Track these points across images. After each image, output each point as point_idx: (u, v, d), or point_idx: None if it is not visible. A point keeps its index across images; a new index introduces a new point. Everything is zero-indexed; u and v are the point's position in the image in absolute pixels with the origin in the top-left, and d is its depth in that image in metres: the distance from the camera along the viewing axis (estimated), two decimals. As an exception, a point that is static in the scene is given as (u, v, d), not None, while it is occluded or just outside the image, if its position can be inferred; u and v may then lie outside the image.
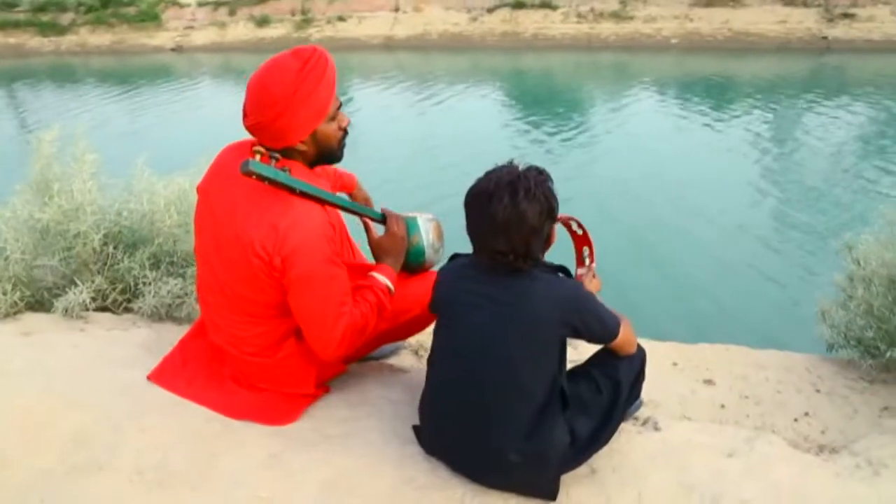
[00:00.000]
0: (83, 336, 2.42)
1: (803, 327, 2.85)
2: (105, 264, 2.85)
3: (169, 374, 2.08)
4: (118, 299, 2.83)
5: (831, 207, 7.15)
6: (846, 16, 15.88)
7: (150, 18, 21.38)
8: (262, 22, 20.33)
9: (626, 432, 1.78)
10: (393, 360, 2.41)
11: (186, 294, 2.77)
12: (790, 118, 11.68)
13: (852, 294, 2.50)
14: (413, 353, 2.57)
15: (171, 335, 2.54)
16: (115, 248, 2.84)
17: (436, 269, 2.12)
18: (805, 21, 16.28)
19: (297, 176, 1.72)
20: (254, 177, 1.63)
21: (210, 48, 20.38)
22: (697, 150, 9.39)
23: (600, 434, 1.58)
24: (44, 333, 2.44)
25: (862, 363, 2.34)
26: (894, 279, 2.26)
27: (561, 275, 1.58)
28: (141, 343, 2.39)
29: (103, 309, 2.78)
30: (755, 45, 16.54)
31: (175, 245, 2.96)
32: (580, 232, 1.93)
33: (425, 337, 2.62)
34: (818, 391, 2.27)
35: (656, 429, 1.84)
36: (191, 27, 21.08)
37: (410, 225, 2.00)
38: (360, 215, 1.96)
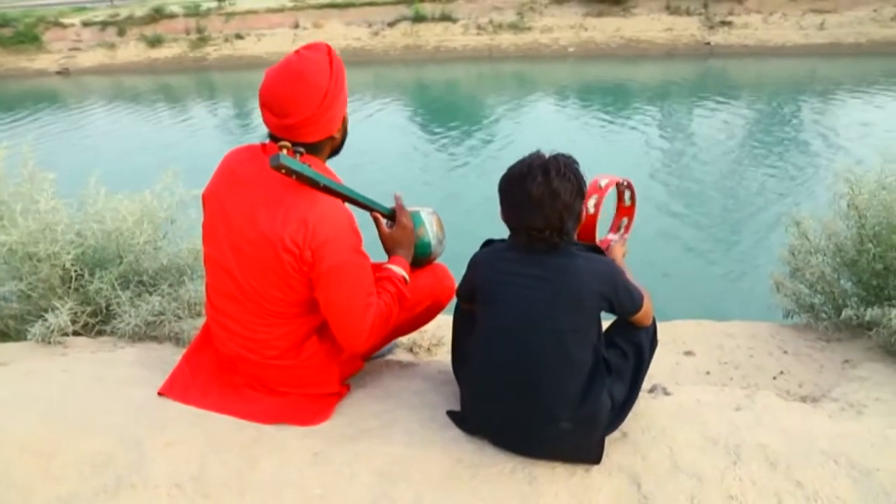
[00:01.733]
0: (69, 361, 2.31)
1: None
2: (70, 287, 2.72)
3: (181, 387, 2.03)
4: (89, 322, 2.72)
5: (720, 197, 7.81)
6: (724, 23, 17.20)
7: (28, 40, 20.09)
8: (155, 42, 19.59)
9: (643, 398, 1.92)
10: (390, 357, 2.45)
11: (163, 312, 2.70)
12: (681, 117, 12.53)
13: (799, 265, 2.78)
14: (408, 351, 2.63)
15: (161, 352, 2.48)
16: (81, 269, 2.72)
17: (439, 261, 2.21)
18: (689, 28, 17.48)
19: (318, 171, 1.76)
20: (283, 171, 1.65)
21: (100, 70, 19.41)
22: (598, 150, 9.93)
23: (631, 397, 1.71)
24: (23, 362, 2.31)
25: (818, 326, 2.60)
26: (841, 248, 2.53)
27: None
28: (134, 362, 2.31)
29: (75, 333, 2.65)
30: (646, 52, 17.57)
31: (142, 263, 2.88)
32: (628, 203, 2.05)
33: (417, 334, 2.68)
34: (785, 353, 2.50)
35: (666, 394, 1.99)
36: (76, 49, 19.99)
37: (415, 218, 2.07)
38: (371, 209, 2.01)
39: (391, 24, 18.86)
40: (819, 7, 16.88)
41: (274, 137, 1.79)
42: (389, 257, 2.02)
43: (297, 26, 19.39)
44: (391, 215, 2.04)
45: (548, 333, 1.55)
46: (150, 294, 2.82)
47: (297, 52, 1.74)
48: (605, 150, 9.97)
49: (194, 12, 19.97)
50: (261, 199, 1.76)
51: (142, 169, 8.88)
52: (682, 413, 1.87)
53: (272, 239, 1.71)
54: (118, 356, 2.37)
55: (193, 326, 2.68)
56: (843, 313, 2.46)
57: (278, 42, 19.06)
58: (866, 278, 2.50)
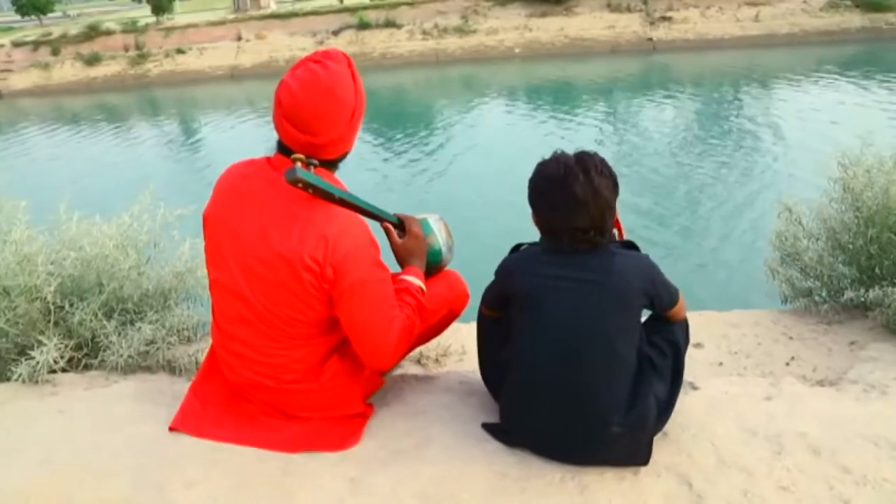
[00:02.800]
0: (62, 400, 2.17)
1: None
2: (50, 321, 2.56)
3: (193, 421, 1.93)
4: (74, 357, 2.56)
5: (677, 189, 7.99)
6: (665, 19, 17.63)
7: (-46, 63, 19.22)
8: (93, 60, 18.95)
9: (674, 395, 1.90)
10: (400, 371, 2.38)
11: (154, 340, 2.57)
12: (627, 111, 12.80)
13: (791, 251, 2.82)
14: (416, 363, 2.56)
15: (159, 383, 2.35)
16: (61, 300, 2.57)
17: (449, 267, 2.16)
18: (631, 25, 17.86)
19: (330, 183, 1.69)
20: (299, 185, 1.58)
21: (35, 92, 18.66)
22: (549, 148, 10.05)
23: (673, 395, 1.68)
24: (10, 404, 2.16)
25: (819, 309, 2.64)
26: (836, 233, 2.57)
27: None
28: (134, 396, 2.18)
29: (61, 370, 2.49)
30: (591, 49, 17.87)
31: (125, 290, 2.73)
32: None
33: (424, 346, 2.62)
34: (791, 338, 2.53)
35: (694, 388, 1.97)
36: (8, 70, 19.18)
37: (423, 226, 2.01)
38: (382, 220, 1.94)
39: (336, 33, 18.71)
40: (753, 0, 17.45)
41: (285, 150, 1.70)
42: (403, 268, 1.96)
43: (239, 38, 19.04)
44: (400, 224, 1.98)
45: (597, 336, 1.51)
46: (135, 323, 2.68)
47: (319, 62, 1.62)
48: (550, 148, 10.07)
49: (132, 28, 19.43)
50: (272, 216, 1.67)
51: (95, 192, 8.56)
52: (715, 407, 1.86)
53: (289, 257, 1.62)
54: (115, 391, 2.24)
55: (186, 353, 2.56)
56: (845, 295, 2.50)
57: (221, 55, 18.69)
58: (862, 261, 2.55)
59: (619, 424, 1.53)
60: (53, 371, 2.35)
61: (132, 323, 2.68)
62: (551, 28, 18.33)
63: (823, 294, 2.74)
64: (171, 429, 1.91)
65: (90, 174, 10.50)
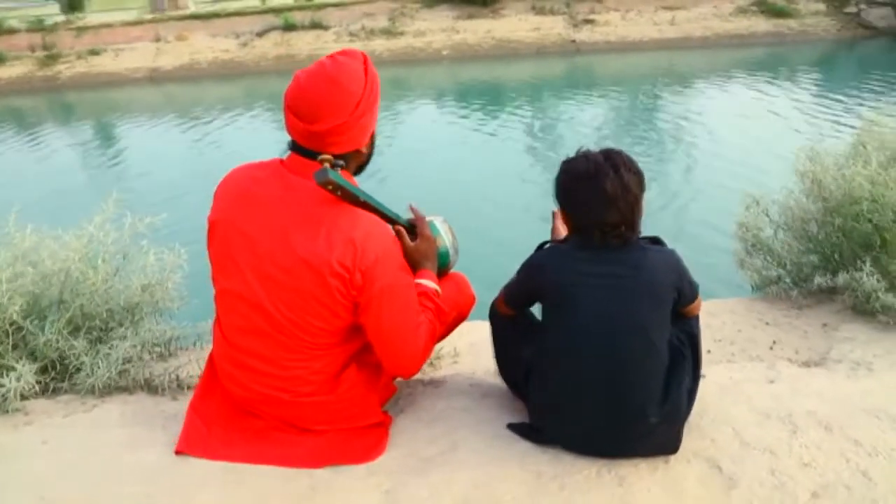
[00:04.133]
0: (41, 429, 2.01)
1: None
2: (10, 343, 2.38)
3: (199, 442, 1.83)
4: (41, 381, 2.38)
5: None
6: (587, 21, 18.12)
7: None
8: (-6, 61, 17.73)
9: (683, 384, 1.95)
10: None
11: (130, 359, 2.43)
12: (553, 112, 13.11)
13: (757, 241, 2.95)
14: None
15: (143, 404, 2.23)
16: (23, 320, 2.39)
17: (455, 269, 2.14)
18: (555, 27, 18.25)
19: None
20: (329, 187, 1.53)
21: (-69, 96, 17.30)
22: (477, 149, 10.09)
23: (695, 385, 1.72)
24: (-19, 437, 1.98)
25: (788, 295, 2.77)
26: (805, 223, 2.72)
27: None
28: (120, 420, 2.05)
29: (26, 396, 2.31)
30: (517, 51, 18.14)
31: (94, 306, 2.57)
32: None
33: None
34: (767, 324, 2.65)
35: (701, 376, 2.03)
36: None
37: (431, 228, 1.99)
38: (395, 222, 1.90)
39: (260, 35, 18.23)
40: (669, 4, 18.21)
41: (298, 149, 1.65)
42: (416, 271, 1.93)
43: (158, 39, 18.27)
44: (412, 227, 1.95)
45: (634, 331, 1.54)
46: (105, 341, 2.53)
47: (331, 56, 1.61)
48: (486, 149, 10.12)
49: (38, 27, 18.31)
50: (293, 221, 1.61)
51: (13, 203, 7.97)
52: (726, 392, 1.93)
53: (315, 264, 1.56)
54: (98, 416, 2.09)
55: (165, 370, 2.42)
56: (815, 282, 2.64)
57: (139, 57, 17.89)
58: (826, 248, 2.70)
59: (657, 415, 1.56)
60: (25, 398, 2.18)
61: (100, 341, 2.53)
62: (479, 30, 18.50)
63: (788, 281, 2.88)
64: (177, 452, 1.80)
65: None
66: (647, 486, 1.58)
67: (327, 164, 1.55)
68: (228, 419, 1.88)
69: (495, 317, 1.91)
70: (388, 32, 18.58)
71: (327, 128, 1.57)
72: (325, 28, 18.55)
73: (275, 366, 1.70)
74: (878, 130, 2.88)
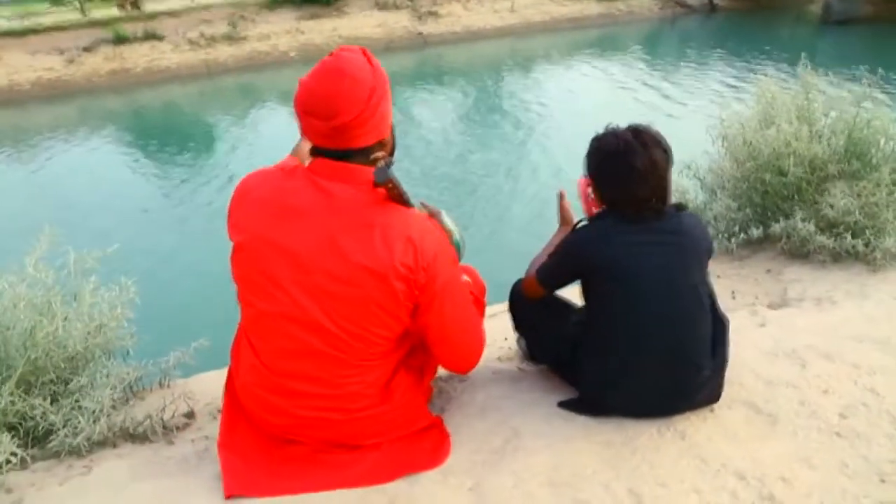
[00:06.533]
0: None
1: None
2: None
3: (247, 481, 1.70)
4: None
5: (469, 174, 8.55)
6: (431, 13, 18.43)
7: None
8: None
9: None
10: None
11: (114, 406, 2.22)
12: (406, 105, 13.30)
13: (694, 203, 3.22)
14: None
15: (145, 454, 2.04)
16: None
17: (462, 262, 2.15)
18: (401, 21, 18.39)
19: None
20: (389, 186, 1.50)
21: None
22: None
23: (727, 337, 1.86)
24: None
25: (729, 249, 3.04)
26: (737, 182, 3.00)
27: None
28: (131, 476, 1.85)
29: None
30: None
31: (51, 357, 2.31)
32: None
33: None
34: (719, 277, 2.90)
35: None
36: None
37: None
38: None
39: (88, 49, 16.76)
40: (507, -8, 18.99)
41: (323, 153, 1.58)
42: None
43: (-37, 63, 16.25)
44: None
45: (687, 291, 1.64)
46: (63, 395, 2.28)
47: (331, 54, 1.56)
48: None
49: None
50: (340, 228, 1.52)
51: None
52: (731, 341, 2.09)
53: (377, 269, 1.50)
54: (104, 477, 1.87)
55: (147, 414, 2.23)
56: (753, 234, 2.92)
57: (-59, 83, 15.82)
58: (756, 202, 3.00)
59: (709, 367, 1.69)
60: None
61: (59, 395, 2.28)
62: (324, 29, 18.22)
63: (726, 236, 3.16)
64: (228, 497, 1.67)
65: None
66: (706, 434, 1.70)
67: (383, 163, 1.51)
68: (264, 451, 1.77)
69: (522, 301, 1.94)
70: (230, 38, 17.79)
71: (348, 120, 1.51)
72: (161, 38, 17.41)
73: (327, 385, 1.62)
74: (770, 95, 3.23)
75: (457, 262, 1.67)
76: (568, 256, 1.74)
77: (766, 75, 3.30)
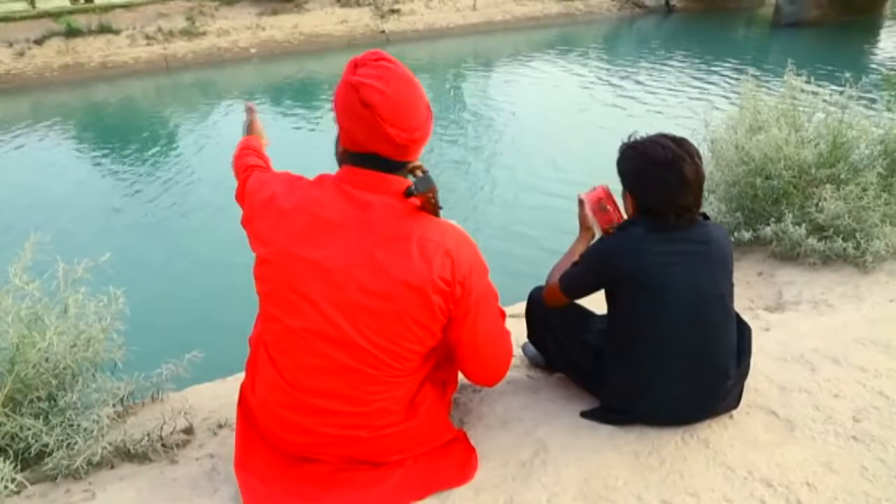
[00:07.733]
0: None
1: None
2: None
3: (268, 502, 1.66)
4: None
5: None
6: (393, 11, 18.35)
7: None
8: None
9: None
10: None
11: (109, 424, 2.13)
12: None
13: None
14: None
15: (150, 475, 1.97)
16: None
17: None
18: (363, 19, 18.26)
19: None
20: (430, 195, 1.47)
21: None
22: (298, 149, 9.84)
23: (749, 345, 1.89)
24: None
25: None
26: (730, 185, 3.05)
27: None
28: (139, 498, 1.79)
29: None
30: (328, 45, 17.91)
31: (39, 373, 2.21)
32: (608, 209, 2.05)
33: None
34: (711, 279, 2.94)
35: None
36: None
37: None
38: None
39: (39, 42, 16.17)
40: (470, -10, 19.03)
41: (379, 162, 1.49)
42: None
43: None
44: None
45: (716, 300, 1.66)
46: (53, 413, 2.19)
47: (379, 59, 1.47)
48: (304, 149, 9.92)
49: None
50: (376, 241, 1.47)
51: None
52: (740, 346, 2.13)
53: (416, 283, 1.45)
54: (110, 502, 1.81)
55: (145, 432, 2.15)
56: (745, 236, 2.98)
57: None
58: (746, 206, 3.06)
59: (735, 376, 1.71)
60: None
61: (46, 416, 2.17)
62: (285, 26, 17.97)
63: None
64: None
65: None
66: (728, 441, 1.72)
67: (420, 172, 1.48)
68: (282, 471, 1.72)
69: (542, 309, 1.93)
70: (189, 33, 17.41)
71: (423, 132, 1.49)
72: (116, 32, 16.91)
73: (355, 402, 1.58)
74: (754, 101, 3.30)
75: (487, 273, 1.64)
76: (597, 265, 1.74)
77: (750, 78, 3.35)
